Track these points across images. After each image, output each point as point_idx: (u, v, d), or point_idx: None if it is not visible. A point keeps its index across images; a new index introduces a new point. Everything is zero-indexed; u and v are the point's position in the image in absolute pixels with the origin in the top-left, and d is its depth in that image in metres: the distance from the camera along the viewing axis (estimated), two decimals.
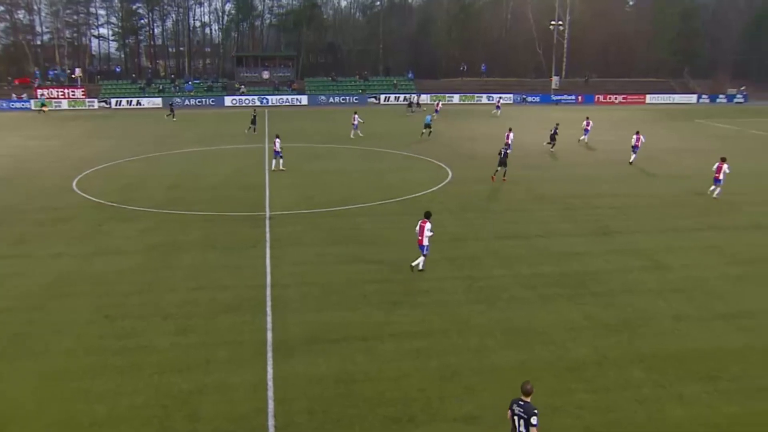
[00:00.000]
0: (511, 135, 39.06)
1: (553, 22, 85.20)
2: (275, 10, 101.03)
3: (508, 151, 32.68)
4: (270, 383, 12.95)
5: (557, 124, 44.38)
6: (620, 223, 24.47)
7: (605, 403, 12.31)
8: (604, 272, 19.06)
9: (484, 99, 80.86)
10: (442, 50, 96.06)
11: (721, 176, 28.42)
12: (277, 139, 34.87)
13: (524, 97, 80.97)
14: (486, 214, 25.43)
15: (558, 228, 23.64)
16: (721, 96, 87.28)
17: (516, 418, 9.72)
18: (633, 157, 37.16)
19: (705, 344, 14.56)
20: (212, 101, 75.62)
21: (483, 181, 31.73)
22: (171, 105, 64.74)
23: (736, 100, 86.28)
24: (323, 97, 78.15)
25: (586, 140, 45.54)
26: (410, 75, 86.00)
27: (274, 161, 34.37)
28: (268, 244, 21.50)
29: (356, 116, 48.27)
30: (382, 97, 78.93)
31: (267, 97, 77.14)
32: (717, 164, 28.78)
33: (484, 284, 18.12)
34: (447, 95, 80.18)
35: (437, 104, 65.57)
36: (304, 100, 77.58)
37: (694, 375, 13.22)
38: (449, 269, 19.30)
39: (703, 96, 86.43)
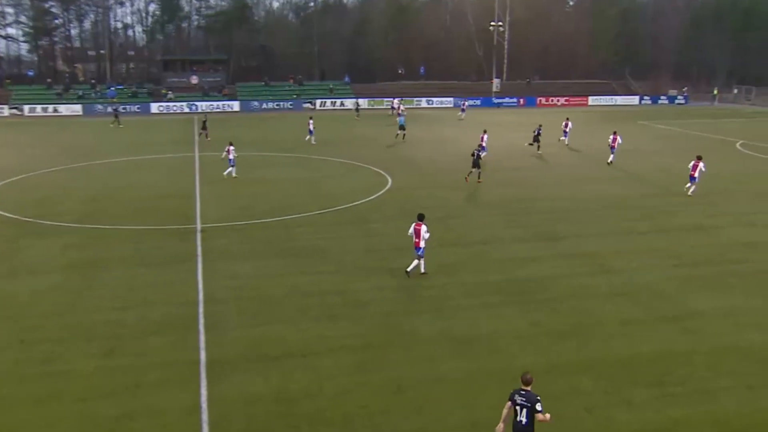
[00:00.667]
0: (486, 137, 40.05)
1: (492, 23, 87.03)
2: (203, 11, 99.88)
3: (481, 153, 34.26)
4: (204, 405, 12.72)
5: (540, 125, 45.55)
6: (566, 227, 25.11)
7: (553, 412, 12.53)
8: (551, 278, 19.52)
9: (423, 103, 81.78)
10: (380, 53, 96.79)
11: (697, 174, 30.32)
12: (231, 147, 34.76)
13: (464, 100, 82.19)
14: (427, 222, 25.55)
15: (503, 234, 24.09)
16: (662, 97, 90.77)
17: (518, 408, 10.31)
18: (611, 157, 39.00)
19: (652, 348, 15.06)
20: (137, 108, 73.96)
21: (424, 188, 32.10)
22: (116, 111, 63.35)
23: (677, 101, 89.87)
24: (256, 103, 77.53)
25: (566, 141, 46.97)
26: (346, 79, 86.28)
27: (229, 169, 34.40)
28: (200, 258, 21.16)
29: (311, 122, 48.71)
30: (318, 102, 78.92)
31: (196, 103, 75.96)
32: (693, 162, 30.65)
33: (427, 294, 18.30)
34: (385, 100, 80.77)
35: (399, 107, 66.45)
36: (235, 106, 76.77)
37: (642, 380, 13.65)
38: (391, 279, 19.40)
39: (645, 97, 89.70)
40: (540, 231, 24.51)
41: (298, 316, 16.75)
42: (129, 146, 47.02)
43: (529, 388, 10.47)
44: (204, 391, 13.20)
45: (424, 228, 19.03)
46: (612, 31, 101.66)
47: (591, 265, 20.71)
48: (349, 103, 78.32)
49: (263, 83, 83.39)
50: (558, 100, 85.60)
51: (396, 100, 73.66)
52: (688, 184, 30.65)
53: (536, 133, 44.00)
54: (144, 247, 22.58)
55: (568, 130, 47.38)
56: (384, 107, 75.62)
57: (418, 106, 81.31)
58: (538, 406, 10.20)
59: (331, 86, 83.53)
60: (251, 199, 29.84)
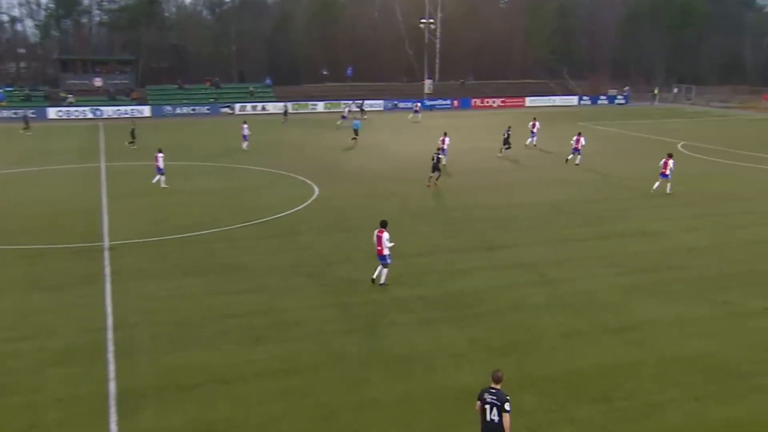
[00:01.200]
0: (447, 140, 41.23)
1: (423, 20, 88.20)
2: (105, 6, 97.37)
3: (440, 156, 35.77)
4: None
5: (509, 128, 46.64)
6: (504, 235, 25.62)
7: None
8: (489, 290, 19.85)
9: (352, 106, 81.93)
10: (303, 52, 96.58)
11: (668, 171, 32.55)
12: (160, 154, 34.38)
13: (395, 102, 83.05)
14: (357, 233, 25.73)
15: (438, 244, 24.37)
16: (602, 97, 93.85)
17: (488, 406, 10.83)
18: (578, 158, 40.90)
19: (597, 361, 15.48)
20: (32, 113, 71.46)
21: (353, 197, 32.24)
22: (25, 117, 61.32)
23: (617, 101, 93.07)
24: (169, 108, 76.11)
25: (534, 143, 48.32)
26: (268, 81, 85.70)
27: (157, 177, 34.25)
28: (108, 279, 20.59)
29: (245, 126, 48.31)
30: (238, 106, 78.17)
31: (101, 108, 73.99)
32: (663, 160, 32.94)
33: (360, 311, 18.34)
34: (310, 103, 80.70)
35: (346, 109, 67.10)
36: (146, 111, 75.13)
37: (587, 396, 14.02)
38: (320, 296, 19.37)
39: (584, 97, 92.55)
40: (478, 240, 24.90)
41: (220, 340, 16.50)
42: (25, 156, 45.38)
43: (499, 386, 10.96)
44: (114, 427, 12.83)
45: (386, 235, 19.55)
46: (548, 28, 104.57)
47: (531, 275, 21.17)
48: (272, 107, 77.93)
49: (177, 86, 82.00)
50: (494, 102, 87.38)
51: (352, 104, 74.52)
52: (657, 183, 32.93)
53: (506, 135, 45.25)
54: (42, 268, 21.82)
55: (535, 130, 48.81)
56: (338, 110, 74.92)
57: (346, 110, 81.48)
58: (507, 406, 10.75)
59: (251, 89, 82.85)
60: (167, 212, 29.27)
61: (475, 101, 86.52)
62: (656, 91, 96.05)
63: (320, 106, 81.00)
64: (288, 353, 15.85)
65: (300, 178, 37.02)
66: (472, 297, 19.30)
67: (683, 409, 13.49)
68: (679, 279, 20.83)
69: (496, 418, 10.79)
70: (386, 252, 19.63)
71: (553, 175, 38.02)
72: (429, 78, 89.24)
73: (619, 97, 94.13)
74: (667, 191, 32.48)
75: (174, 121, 70.80)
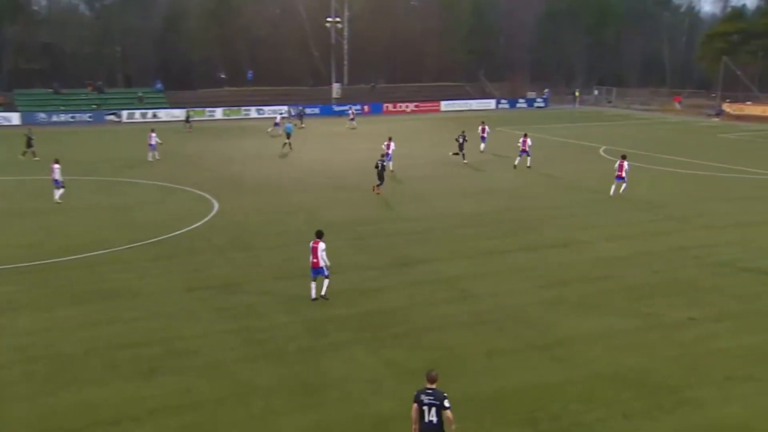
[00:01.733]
0: (392, 145, 42.58)
1: (329, 19, 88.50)
2: None
3: (384, 163, 36.90)
4: None
5: (463, 131, 47.50)
6: (422, 249, 25.90)
7: None
8: (406, 309, 20.01)
9: (252, 113, 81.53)
10: (198, 54, 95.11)
11: (624, 174, 34.98)
12: (56, 165, 33.69)
13: (301, 108, 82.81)
14: (261, 252, 25.66)
15: (349, 261, 24.41)
16: (520, 100, 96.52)
17: (426, 408, 11.52)
18: (528, 160, 43.26)
19: (522, 381, 15.80)
20: None
21: (257, 212, 32.03)
22: None
23: (536, 104, 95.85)
24: (43, 115, 73.54)
25: (482, 148, 49.49)
26: (158, 85, 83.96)
27: (60, 191, 33.70)
28: None
29: (153, 135, 47.47)
30: (125, 113, 76.28)
31: None
32: (618, 162, 35.57)
33: (266, 336, 18.16)
34: (207, 109, 79.60)
35: (278, 116, 67.64)
36: (14, 118, 72.18)
37: (513, 418, 14.28)
38: (221, 321, 19.09)
39: (502, 101, 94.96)
40: (392, 255, 25.09)
41: (107, 375, 15.99)
42: None
43: (434, 386, 11.74)
44: None
45: (321, 245, 20.14)
46: (464, 28, 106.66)
47: (450, 291, 21.48)
48: (165, 114, 76.57)
49: (52, 90, 79.25)
50: (407, 106, 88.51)
51: (289, 109, 75.23)
52: (614, 187, 35.03)
53: (461, 140, 46.30)
54: None
55: (486, 135, 50.16)
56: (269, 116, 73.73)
57: (247, 117, 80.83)
58: (446, 403, 11.52)
59: (140, 94, 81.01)
60: (43, 234, 28.24)
61: (387, 106, 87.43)
62: (577, 93, 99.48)
63: (218, 112, 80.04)
64: (186, 386, 15.51)
65: (198, 192, 36.44)
66: (387, 317, 19.40)
67: (612, 428, 13.91)
68: (604, 290, 21.55)
69: (434, 419, 11.48)
70: (322, 264, 20.16)
71: (474, 183, 38.77)
72: (337, 82, 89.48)
73: (538, 99, 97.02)
74: (620, 192, 34.77)
75: (50, 130, 68.09)
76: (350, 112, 73.63)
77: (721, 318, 19.37)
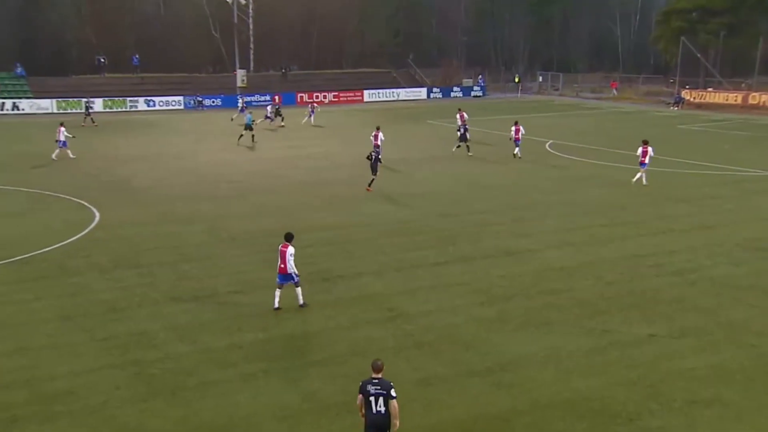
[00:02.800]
0: (381, 135, 44.72)
1: None
2: None
3: (379, 156, 38.53)
4: None
5: (465, 122, 50.32)
6: (343, 262, 25.90)
7: None
8: (326, 332, 19.94)
9: (141, 104, 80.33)
10: (70, 34, 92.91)
11: (647, 160, 38.10)
12: None
13: (199, 99, 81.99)
14: (153, 269, 25.25)
15: (260, 278, 24.19)
16: (455, 89, 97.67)
17: (373, 398, 12.80)
18: (517, 150, 47.12)
19: (462, 412, 15.88)
20: None
21: (146, 223, 31.50)
22: None
23: (474, 93, 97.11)
24: None
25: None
26: (19, 71, 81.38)
27: None
28: None
29: (63, 129, 47.25)
30: None
31: None
32: (641, 148, 38.32)
33: (160, 370, 17.84)
34: (84, 99, 77.85)
35: (239, 101, 68.90)
36: None
37: None
38: (104, 355, 18.67)
39: (435, 90, 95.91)
40: (310, 270, 24.91)
41: None
42: None
43: (380, 376, 12.98)
44: None
45: (290, 250, 20.96)
46: (389, 6, 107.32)
47: (378, 310, 21.49)
48: (28, 105, 74.74)
49: None
50: (325, 96, 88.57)
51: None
52: (639, 174, 38.20)
53: (463, 130, 48.79)
54: None
55: (466, 123, 51.92)
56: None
57: (134, 109, 79.54)
58: (393, 392, 12.79)
59: None
60: None
61: (302, 96, 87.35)
62: (517, 79, 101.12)
63: (98, 104, 78.35)
64: None
65: (75, 200, 35.64)
66: (304, 342, 19.31)
67: None
68: (551, 305, 21.87)
69: (382, 409, 12.78)
70: (291, 270, 20.87)
71: (403, 185, 38.95)
72: (242, 68, 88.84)
73: (475, 88, 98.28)
74: (644, 182, 37.95)
75: None
76: (311, 106, 70.15)
77: (683, 334, 19.86)
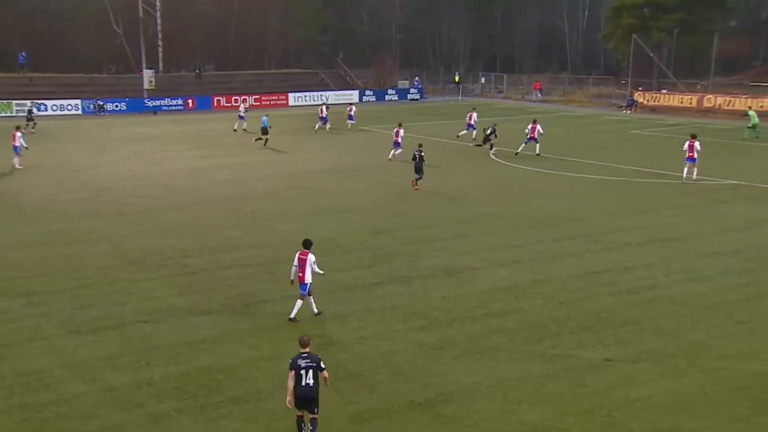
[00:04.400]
0: (401, 132, 49.87)
1: None
2: None
3: (423, 154, 41.19)
4: None
5: (495, 124, 54.51)
6: (266, 285, 25.70)
7: None
8: (248, 364, 19.72)
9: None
10: None
11: (696, 155, 42.43)
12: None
13: (100, 103, 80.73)
14: (46, 298, 24.73)
15: (172, 304, 23.94)
16: (390, 91, 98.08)
17: (304, 371, 15.16)
18: (537, 147, 51.28)
19: None
20: None
21: (37, 245, 30.81)
22: None
23: (410, 95, 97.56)
24: None
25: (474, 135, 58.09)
26: None
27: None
28: None
29: (18, 135, 48.13)
30: None
31: None
32: (688, 142, 42.98)
33: (53, 414, 17.42)
34: (29, 102, 76.07)
35: (241, 108, 68.53)
36: None
37: None
38: None
39: (368, 92, 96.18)
40: (230, 294, 24.74)
41: None
42: None
43: (308, 350, 15.49)
44: None
45: (311, 257, 22.00)
46: (316, 2, 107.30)
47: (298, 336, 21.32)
48: None
49: None
50: (246, 100, 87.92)
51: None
52: (686, 169, 42.66)
53: (490, 131, 53.13)
54: None
55: (473, 122, 58.86)
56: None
57: (22, 114, 77.51)
58: (322, 364, 15.34)
59: None
60: None
61: (219, 100, 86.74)
62: (458, 79, 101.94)
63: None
64: None
65: None
66: (223, 376, 19.04)
67: None
68: (498, 329, 21.97)
69: (311, 382, 15.14)
70: (309, 280, 22.00)
71: (333, 199, 38.85)
72: (149, 68, 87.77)
73: (412, 90, 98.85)
74: (693, 177, 42.29)
75: None
76: (349, 109, 69.87)
77: (640, 358, 20.12)
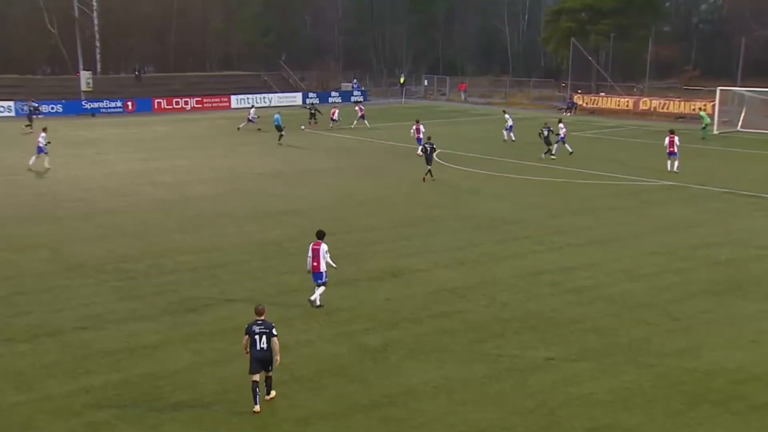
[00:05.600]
0: (422, 128, 54.59)
1: None
2: None
3: (434, 146, 45.13)
4: None
5: (547, 124, 53.99)
6: (210, 290, 25.57)
7: None
8: (192, 369, 19.59)
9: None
10: None
11: (676, 149, 45.57)
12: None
13: (35, 105, 79.35)
14: None
15: (112, 310, 23.70)
16: (334, 93, 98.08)
17: (257, 336, 16.99)
18: (557, 147, 52.49)
19: None
20: None
21: None
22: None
23: (354, 98, 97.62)
24: None
25: (512, 137, 60.04)
26: None
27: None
28: None
29: (44, 135, 48.90)
30: None
31: None
32: (668, 138, 45.84)
33: None
34: (33, 102, 74.80)
35: (251, 112, 69.64)
36: None
37: None
38: None
39: (311, 94, 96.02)
40: (173, 300, 24.56)
41: None
42: None
43: (264, 318, 17.22)
44: None
45: (324, 247, 23.23)
46: (257, 1, 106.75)
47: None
48: None
49: None
50: (187, 102, 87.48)
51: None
52: (669, 163, 45.81)
53: (546, 133, 52.67)
54: None
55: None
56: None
57: None
58: (274, 332, 17.08)
59: None
60: None
61: (159, 102, 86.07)
62: (402, 80, 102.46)
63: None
64: None
65: None
66: (165, 381, 18.86)
67: None
68: (443, 330, 22.08)
69: (265, 346, 16.97)
70: (324, 268, 23.17)
71: (276, 201, 38.78)
72: (86, 69, 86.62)
73: (356, 92, 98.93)
74: (675, 170, 45.29)
75: None
76: (358, 108, 73.03)
77: (581, 357, 20.35)
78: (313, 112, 72.82)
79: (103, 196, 40.53)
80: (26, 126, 67.05)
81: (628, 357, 20.36)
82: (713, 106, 70.03)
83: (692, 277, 26.95)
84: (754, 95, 70.95)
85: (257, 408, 16.99)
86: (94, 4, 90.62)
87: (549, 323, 22.69)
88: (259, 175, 45.93)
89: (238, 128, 67.24)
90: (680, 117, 76.05)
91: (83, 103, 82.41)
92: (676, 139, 45.80)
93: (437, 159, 51.39)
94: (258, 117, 68.18)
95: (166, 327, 22.40)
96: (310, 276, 23.58)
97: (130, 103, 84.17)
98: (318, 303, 23.51)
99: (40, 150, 48.42)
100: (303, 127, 68.71)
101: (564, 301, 24.53)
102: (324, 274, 23.32)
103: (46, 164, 48.14)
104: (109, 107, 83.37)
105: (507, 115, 63.59)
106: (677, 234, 32.71)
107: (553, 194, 40.92)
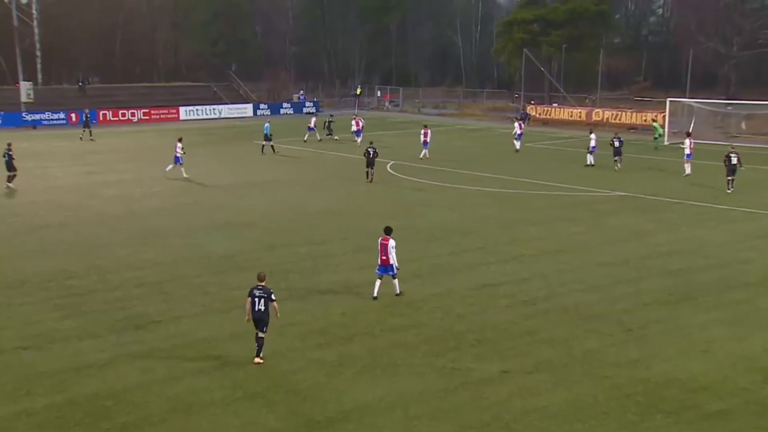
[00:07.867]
0: (429, 132, 57.69)
1: None
2: None
3: (375, 150, 48.02)
4: None
5: (618, 135, 54.88)
6: (159, 305, 25.36)
7: None
8: (140, 388, 19.39)
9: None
10: None
11: (691, 151, 49.96)
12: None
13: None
14: None
15: (53, 328, 23.41)
16: (285, 104, 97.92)
17: (257, 299, 20.28)
18: (593, 156, 55.05)
19: None
20: None
21: None
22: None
23: (306, 109, 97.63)
24: None
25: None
26: None
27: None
28: None
29: (179, 145, 49.77)
30: None
31: None
32: (687, 141, 50.10)
33: None
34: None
35: (312, 121, 69.69)
36: None
37: None
38: None
39: (262, 106, 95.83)
40: (120, 316, 24.28)
41: None
42: None
43: (264, 284, 20.50)
44: None
45: (392, 243, 25.19)
46: (205, 10, 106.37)
47: (200, 359, 21.14)
48: None
49: None
50: (134, 114, 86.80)
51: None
52: (687, 166, 49.75)
53: (617, 144, 53.21)
54: None
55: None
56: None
57: None
58: (273, 296, 20.37)
59: None
60: None
61: (105, 114, 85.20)
62: (359, 91, 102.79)
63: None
64: None
65: None
66: (112, 401, 18.65)
67: None
68: (397, 344, 22.10)
69: (262, 308, 20.24)
70: (393, 261, 25.20)
71: (226, 214, 38.55)
72: (27, 80, 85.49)
73: (308, 103, 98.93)
74: (687, 171, 49.40)
75: None
76: (355, 121, 69.84)
77: (536, 369, 20.49)
78: (328, 122, 71.39)
79: (46, 210, 39.97)
80: None
81: (582, 368, 20.54)
82: (664, 117, 71.12)
83: (644, 287, 27.27)
84: (702, 106, 72.48)
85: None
86: (34, 12, 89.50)
87: (504, 335, 22.82)
88: (210, 188, 45.69)
89: (304, 140, 67.89)
90: (632, 128, 76.90)
91: (23, 114, 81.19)
92: (689, 141, 50.40)
93: (391, 170, 51.61)
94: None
95: (112, 345, 22.13)
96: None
97: (73, 115, 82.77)
98: (398, 292, 25.83)
99: (177, 160, 49.25)
100: (320, 138, 68.95)
101: (519, 313, 24.68)
102: (393, 266, 25.31)
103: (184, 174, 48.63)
104: (52, 119, 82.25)
105: (592, 135, 56.56)
106: (629, 244, 33.10)
107: (505, 205, 41.19)
